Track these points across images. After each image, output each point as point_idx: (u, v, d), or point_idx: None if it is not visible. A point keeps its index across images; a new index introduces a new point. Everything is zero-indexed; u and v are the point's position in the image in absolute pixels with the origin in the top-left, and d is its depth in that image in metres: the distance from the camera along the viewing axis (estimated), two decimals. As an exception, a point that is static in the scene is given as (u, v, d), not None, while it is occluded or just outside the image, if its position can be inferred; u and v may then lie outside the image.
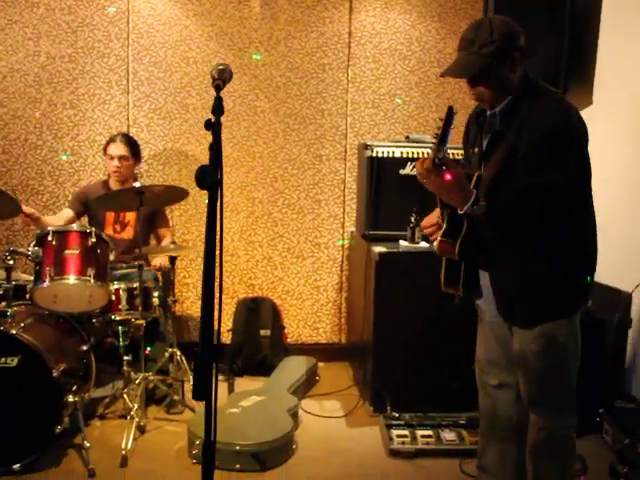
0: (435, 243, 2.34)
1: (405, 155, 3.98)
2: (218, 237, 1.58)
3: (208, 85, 4.47)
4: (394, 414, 3.59)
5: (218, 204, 1.58)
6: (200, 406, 3.72)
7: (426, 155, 2.17)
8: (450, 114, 2.10)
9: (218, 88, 1.75)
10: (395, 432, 3.41)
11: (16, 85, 4.39)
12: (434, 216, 2.46)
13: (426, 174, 2.12)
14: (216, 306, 1.57)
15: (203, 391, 1.54)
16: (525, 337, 2.34)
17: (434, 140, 2.11)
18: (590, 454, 3.08)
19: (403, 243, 3.81)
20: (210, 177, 1.59)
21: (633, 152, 2.40)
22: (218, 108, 1.69)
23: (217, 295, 1.56)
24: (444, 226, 2.32)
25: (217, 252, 1.56)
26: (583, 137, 2.22)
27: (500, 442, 2.62)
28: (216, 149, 1.62)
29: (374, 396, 3.76)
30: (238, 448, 3.11)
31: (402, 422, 3.51)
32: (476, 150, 2.40)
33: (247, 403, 3.56)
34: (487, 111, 2.33)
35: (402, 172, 3.98)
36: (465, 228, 2.25)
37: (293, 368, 4.20)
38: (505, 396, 2.58)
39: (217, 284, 1.53)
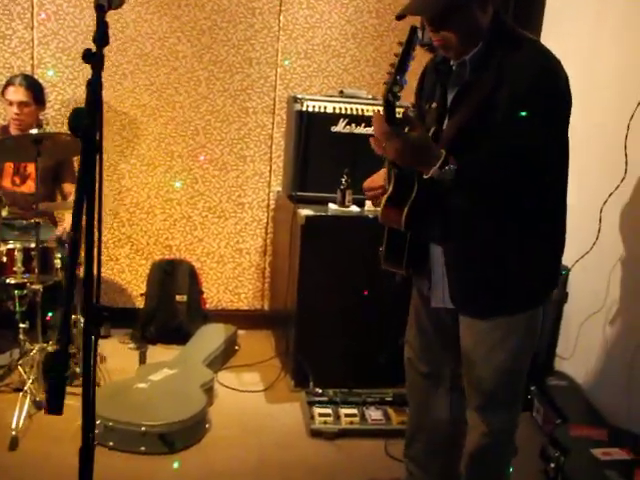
0: (379, 209, 2.01)
1: (338, 111, 3.68)
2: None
3: (125, 24, 4.04)
4: (317, 390, 3.35)
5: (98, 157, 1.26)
6: (106, 379, 3.41)
7: (380, 111, 1.81)
8: (412, 36, 1.74)
9: (100, 9, 1.37)
10: (317, 410, 3.18)
11: None
12: (379, 177, 2.14)
13: (384, 137, 1.79)
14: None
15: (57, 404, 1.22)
16: (477, 330, 2.04)
17: (390, 70, 1.76)
18: (520, 435, 2.91)
19: (332, 206, 3.53)
20: (84, 121, 1.25)
21: (582, 111, 2.23)
22: (101, 36, 1.34)
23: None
24: (390, 189, 1.98)
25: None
26: (569, 100, 1.89)
27: (429, 435, 2.40)
28: (94, 87, 1.28)
29: (296, 369, 3.51)
30: (144, 429, 2.81)
31: (325, 399, 3.28)
32: (434, 105, 2.04)
33: (157, 377, 3.26)
34: (451, 61, 1.99)
35: (334, 129, 3.68)
36: (415, 192, 1.90)
37: (210, 337, 3.90)
38: (435, 388, 2.34)
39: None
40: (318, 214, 3.42)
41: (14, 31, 3.98)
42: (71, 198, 3.86)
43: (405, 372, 2.47)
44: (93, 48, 1.36)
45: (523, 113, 1.77)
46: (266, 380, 3.64)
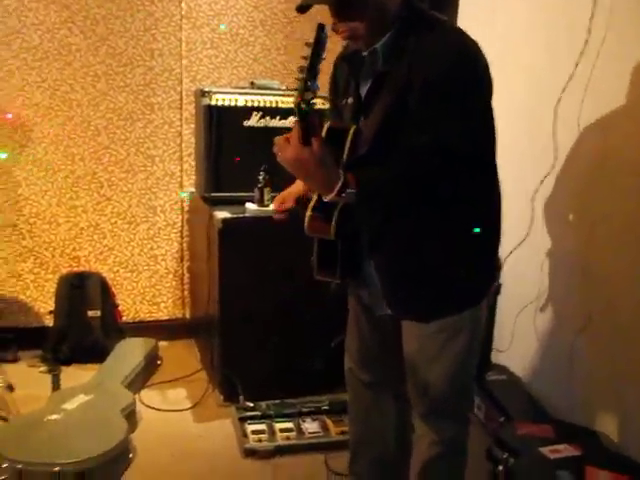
0: (305, 219, 1.82)
1: (250, 104, 3.44)
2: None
3: (6, 14, 3.66)
4: (248, 404, 3.14)
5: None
6: (14, 412, 3.09)
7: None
8: (320, 35, 1.55)
9: None
10: (250, 427, 2.97)
11: None
12: (297, 187, 1.98)
13: (283, 144, 1.61)
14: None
15: None
16: (419, 334, 1.90)
17: (300, 75, 1.57)
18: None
19: (251, 206, 3.30)
20: None
21: (508, 95, 2.13)
22: None
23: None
24: (314, 197, 1.80)
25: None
26: (490, 85, 1.74)
27: (374, 447, 2.24)
28: None
29: (224, 382, 3.28)
30: (57, 469, 2.52)
31: (258, 413, 3.07)
32: (350, 101, 1.87)
33: (71, 405, 2.95)
34: (361, 52, 1.81)
35: (247, 123, 3.45)
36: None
37: (128, 354, 3.61)
38: (379, 397, 2.19)
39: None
40: (235, 216, 3.19)
41: None
42: None
43: (346, 383, 2.32)
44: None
45: (439, 101, 1.62)
46: (193, 396, 3.39)
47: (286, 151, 1.61)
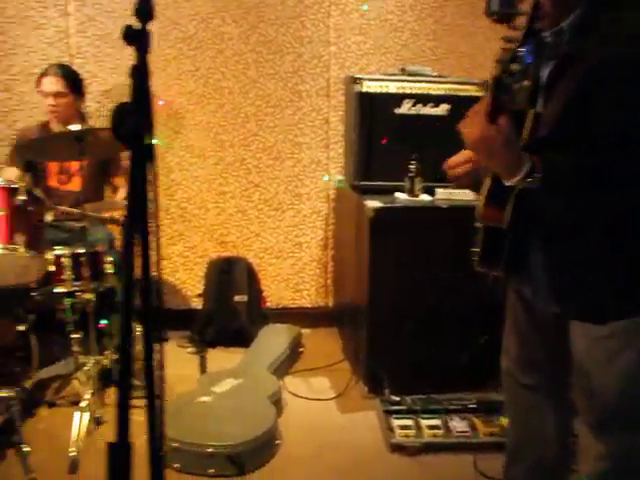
0: (478, 205, 1.72)
1: (402, 91, 3.36)
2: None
3: (165, 6, 3.77)
4: (393, 397, 3.07)
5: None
6: (170, 392, 3.18)
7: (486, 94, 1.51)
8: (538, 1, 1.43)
9: None
10: (396, 422, 2.89)
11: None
12: (463, 156, 1.86)
13: (470, 123, 1.51)
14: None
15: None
16: (592, 335, 1.73)
17: (507, 45, 1.46)
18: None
19: (401, 196, 3.22)
20: (132, 122, 0.98)
21: None
22: (144, 8, 1.04)
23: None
24: (488, 183, 1.70)
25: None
26: None
27: (533, 454, 2.10)
28: (140, 74, 1.00)
29: (369, 374, 3.23)
30: (211, 450, 2.57)
31: (403, 407, 3.00)
32: (526, 83, 1.76)
33: (221, 388, 3.01)
34: (544, 31, 1.67)
35: (398, 111, 3.37)
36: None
37: (274, 340, 3.65)
38: (540, 401, 2.04)
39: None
40: (387, 206, 3.11)
41: (49, 19, 3.75)
42: (120, 195, 3.64)
43: (503, 383, 2.18)
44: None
45: (633, 85, 1.47)
46: (336, 386, 3.37)
47: (472, 128, 1.52)
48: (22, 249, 2.63)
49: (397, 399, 3.06)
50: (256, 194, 4.04)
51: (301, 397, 3.27)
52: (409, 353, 3.18)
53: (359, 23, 3.97)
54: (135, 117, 1.00)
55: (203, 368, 3.39)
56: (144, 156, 1.03)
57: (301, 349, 3.79)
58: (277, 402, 3.03)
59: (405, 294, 3.15)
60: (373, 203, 3.11)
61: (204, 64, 3.89)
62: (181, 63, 3.87)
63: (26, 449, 2.60)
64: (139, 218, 1.06)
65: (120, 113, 1.02)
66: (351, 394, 3.30)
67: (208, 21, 3.84)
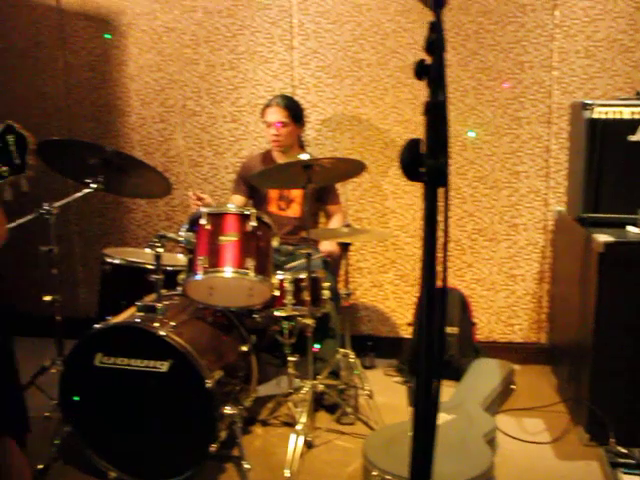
0: None
1: (637, 117, 3.11)
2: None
3: (384, 36, 3.83)
4: (620, 449, 2.83)
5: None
6: (380, 421, 3.18)
7: None
8: None
9: (438, 4, 1.04)
10: (626, 477, 2.65)
11: (173, 46, 4.02)
12: None
13: None
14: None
15: None
16: None
17: None
18: None
19: (634, 230, 2.98)
20: (430, 161, 0.96)
21: None
22: (437, 39, 1.01)
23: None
24: None
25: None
26: None
27: None
28: (438, 111, 0.98)
29: (591, 419, 2.99)
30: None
31: (633, 462, 2.74)
32: None
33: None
34: None
35: (632, 138, 3.12)
36: None
37: (486, 376, 3.52)
38: None
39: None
40: (619, 240, 2.89)
41: (275, 54, 3.96)
42: (335, 223, 3.74)
43: None
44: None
45: None
46: (552, 429, 3.17)
47: None
48: (252, 273, 2.76)
49: (625, 451, 2.81)
50: (470, 223, 3.95)
51: (515, 438, 3.12)
52: (636, 400, 2.91)
53: (585, 45, 3.76)
54: (435, 157, 0.98)
55: (411, 399, 3.35)
56: (439, 187, 1.00)
57: (513, 386, 3.62)
58: (491, 441, 2.91)
59: (636, 336, 2.90)
60: (603, 237, 2.90)
61: (422, 93, 3.88)
62: (399, 92, 3.90)
63: (247, 466, 2.72)
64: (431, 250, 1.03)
65: (411, 150, 1.01)
66: (569, 439, 3.09)
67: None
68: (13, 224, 2.71)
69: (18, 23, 4.24)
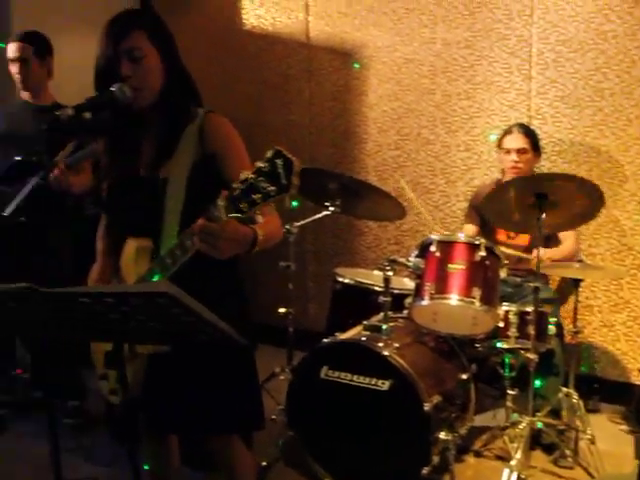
0: None
1: None
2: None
3: (630, 64, 3.65)
4: None
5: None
6: (601, 469, 3.03)
7: None
8: None
9: None
10: None
11: (411, 76, 4.17)
12: None
13: None
14: None
15: None
16: None
17: None
18: None
19: None
20: None
21: None
22: None
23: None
24: None
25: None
26: None
27: None
28: None
29: None
30: None
31: None
32: None
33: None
34: None
35: None
36: None
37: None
38: None
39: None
40: None
41: (512, 83, 3.96)
42: (567, 244, 3.56)
43: None
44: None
45: None
46: None
47: None
48: (477, 302, 2.79)
49: None
50: None
51: None
52: None
53: None
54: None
55: (638, 451, 3.15)
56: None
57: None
58: None
59: None
60: None
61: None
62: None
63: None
64: None
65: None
66: None
67: (588, 78, 3.76)
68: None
69: (271, 58, 4.67)
